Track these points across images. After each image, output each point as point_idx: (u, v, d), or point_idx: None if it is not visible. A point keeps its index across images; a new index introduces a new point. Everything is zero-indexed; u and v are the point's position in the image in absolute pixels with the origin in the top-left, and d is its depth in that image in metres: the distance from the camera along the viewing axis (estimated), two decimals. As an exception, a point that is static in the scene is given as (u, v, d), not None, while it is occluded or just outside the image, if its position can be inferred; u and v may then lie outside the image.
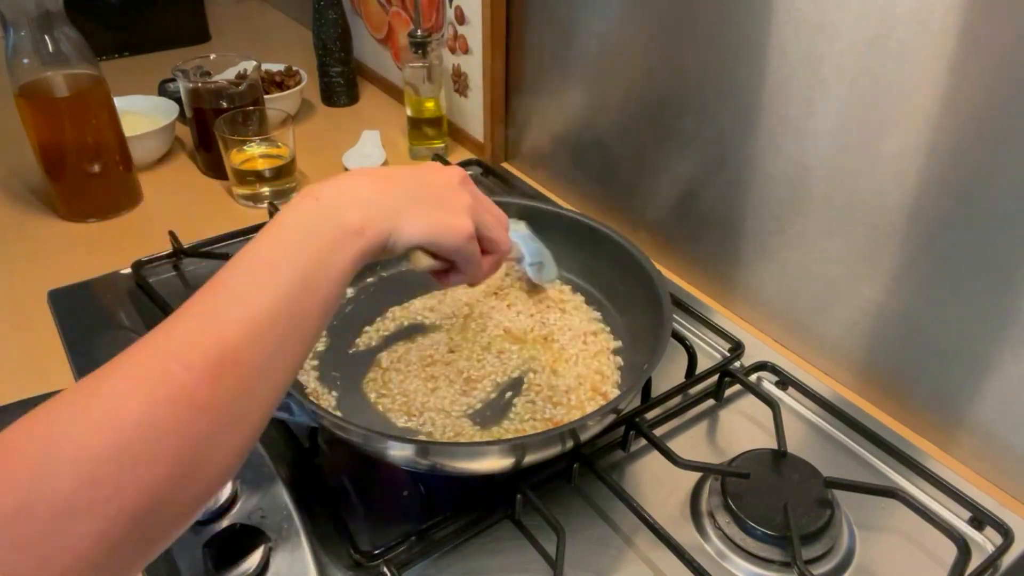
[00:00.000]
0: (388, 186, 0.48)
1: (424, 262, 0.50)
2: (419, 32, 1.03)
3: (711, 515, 0.60)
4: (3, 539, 0.30)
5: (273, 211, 0.92)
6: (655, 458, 0.62)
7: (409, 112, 1.10)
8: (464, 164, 1.06)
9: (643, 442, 0.65)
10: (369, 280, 0.78)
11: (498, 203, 0.81)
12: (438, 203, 0.49)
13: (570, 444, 0.57)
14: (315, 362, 0.68)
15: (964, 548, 0.55)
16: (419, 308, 0.75)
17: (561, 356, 0.69)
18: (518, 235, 0.72)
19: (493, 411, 0.64)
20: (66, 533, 0.31)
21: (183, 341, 0.37)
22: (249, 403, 0.38)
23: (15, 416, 0.46)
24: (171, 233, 0.87)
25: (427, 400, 0.64)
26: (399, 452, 0.55)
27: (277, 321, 0.39)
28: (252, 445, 0.39)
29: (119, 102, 0.97)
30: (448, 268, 0.52)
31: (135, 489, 0.33)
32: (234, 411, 0.37)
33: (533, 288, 0.76)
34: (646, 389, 0.69)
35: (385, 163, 1.10)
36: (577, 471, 0.62)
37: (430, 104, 1.08)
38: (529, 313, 0.74)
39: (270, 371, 0.39)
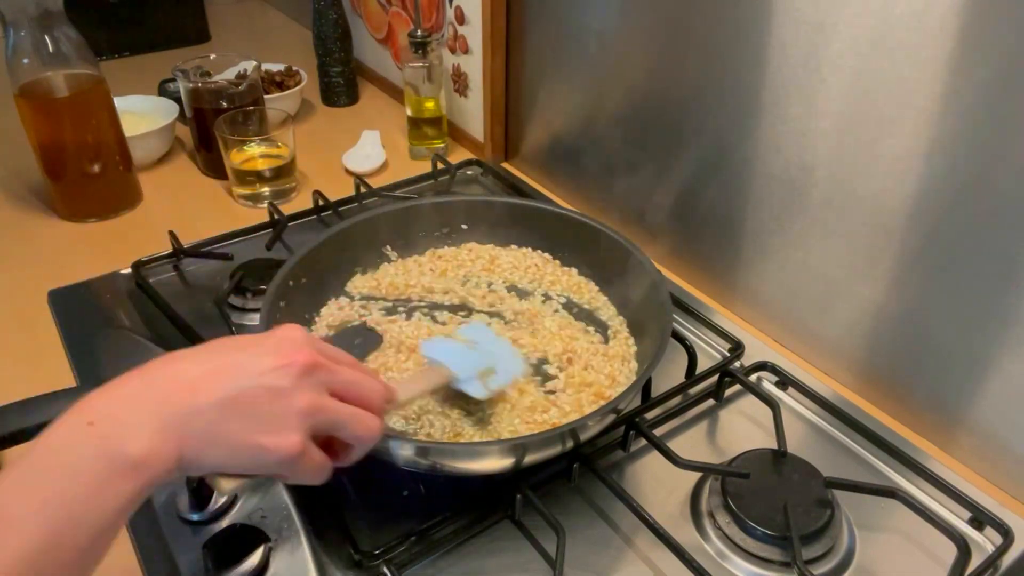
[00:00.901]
0: (188, 394, 0.38)
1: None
2: (419, 32, 1.03)
3: (711, 515, 0.60)
4: None
5: (273, 211, 0.92)
6: (655, 458, 0.62)
7: (409, 112, 1.10)
8: (464, 164, 1.06)
9: (643, 442, 0.65)
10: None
11: (498, 203, 0.82)
12: (255, 415, 0.39)
13: (570, 444, 0.57)
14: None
15: (964, 548, 0.55)
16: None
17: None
18: (442, 347, 0.61)
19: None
20: None
21: None
22: None
23: (15, 416, 0.46)
24: (171, 233, 0.87)
25: (425, 403, 0.64)
26: (399, 452, 0.55)
27: None
28: None
29: (119, 102, 0.97)
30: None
31: None
32: None
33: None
34: (646, 389, 0.69)
35: (385, 163, 1.10)
36: (577, 471, 0.62)
37: (430, 104, 1.09)
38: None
39: None
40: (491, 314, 0.74)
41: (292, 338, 0.43)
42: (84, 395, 0.37)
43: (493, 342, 0.64)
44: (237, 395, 0.39)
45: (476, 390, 0.59)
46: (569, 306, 0.75)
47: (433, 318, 0.73)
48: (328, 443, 0.45)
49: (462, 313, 0.74)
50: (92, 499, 0.34)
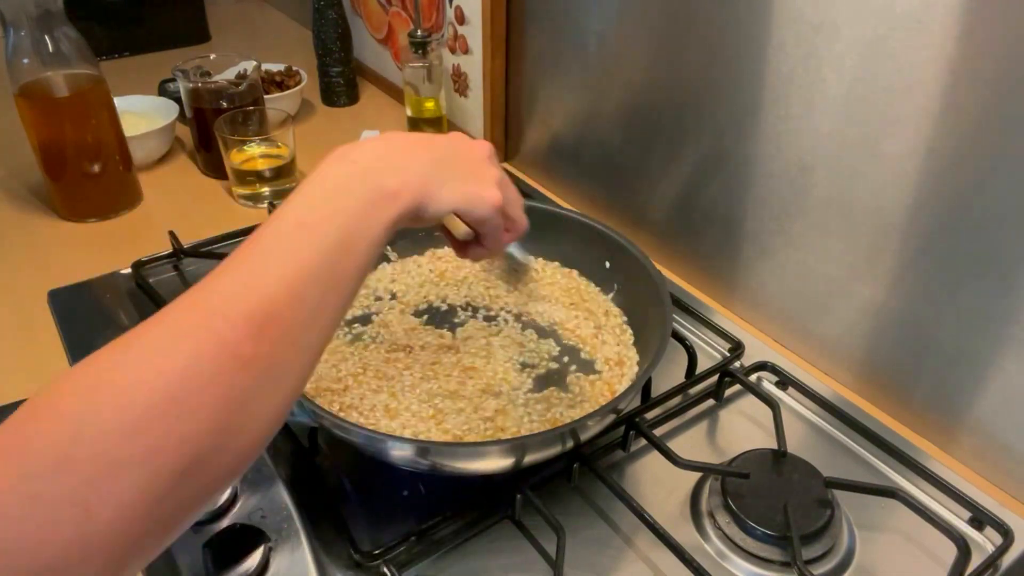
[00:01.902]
0: (421, 152, 0.48)
1: (461, 228, 0.53)
2: (419, 32, 1.03)
3: (711, 515, 0.60)
4: (47, 491, 0.30)
5: (273, 210, 0.92)
6: (655, 458, 0.62)
7: (409, 112, 1.10)
8: (464, 164, 1.06)
9: (643, 442, 0.65)
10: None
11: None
12: (469, 173, 0.50)
13: (570, 444, 0.57)
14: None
15: (964, 548, 0.55)
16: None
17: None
18: None
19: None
20: (110, 485, 0.31)
21: (225, 298, 0.37)
22: (289, 361, 0.38)
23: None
24: (171, 233, 0.87)
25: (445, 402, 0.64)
26: (399, 452, 0.55)
27: (316, 281, 0.39)
28: (291, 405, 0.39)
29: (119, 102, 0.97)
30: (470, 240, 0.55)
31: (178, 441, 0.32)
32: (275, 368, 0.37)
33: (514, 273, 0.77)
34: (646, 389, 0.69)
35: (385, 163, 1.10)
36: (577, 471, 0.62)
37: (430, 104, 1.09)
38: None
39: (309, 330, 0.39)
40: (490, 317, 0.74)
41: (464, 136, 0.54)
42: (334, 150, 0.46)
43: None
44: (455, 157, 0.50)
45: (518, 250, 0.74)
46: (568, 307, 0.75)
47: (434, 320, 0.73)
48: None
49: (466, 313, 0.74)
50: (365, 218, 0.43)
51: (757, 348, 0.76)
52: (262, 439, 0.37)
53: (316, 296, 0.39)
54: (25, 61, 0.87)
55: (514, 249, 0.74)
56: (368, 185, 0.44)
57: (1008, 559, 0.57)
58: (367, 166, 0.45)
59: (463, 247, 0.56)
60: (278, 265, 0.39)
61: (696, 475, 0.63)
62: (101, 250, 0.91)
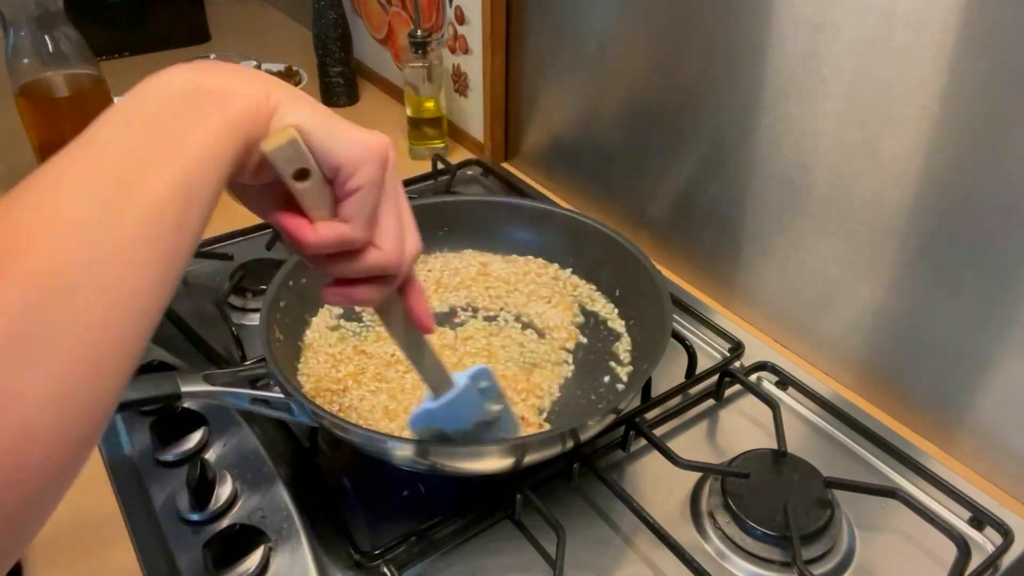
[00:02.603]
0: (293, 90, 0.37)
1: (287, 135, 0.36)
2: (419, 32, 1.03)
3: (711, 515, 0.60)
4: None
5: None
6: (655, 458, 0.62)
7: (409, 112, 1.10)
8: (464, 164, 1.06)
9: (643, 442, 0.65)
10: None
11: (500, 203, 0.82)
12: (345, 123, 0.38)
13: (570, 444, 0.57)
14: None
15: (964, 548, 0.55)
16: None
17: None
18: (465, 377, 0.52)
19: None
20: None
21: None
22: (73, 321, 0.27)
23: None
24: (171, 233, 0.87)
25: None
26: (399, 452, 0.55)
27: (93, 221, 0.29)
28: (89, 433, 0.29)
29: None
30: (302, 214, 0.39)
31: None
32: (48, 331, 0.27)
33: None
34: (646, 389, 0.69)
35: (385, 163, 1.10)
36: (577, 471, 0.62)
37: (430, 104, 1.09)
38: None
39: (91, 276, 0.28)
40: (490, 318, 0.74)
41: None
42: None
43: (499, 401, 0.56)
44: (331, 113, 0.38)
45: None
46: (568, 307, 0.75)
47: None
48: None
49: (467, 313, 0.74)
50: (181, 119, 0.32)
51: (757, 348, 0.76)
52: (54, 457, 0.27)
53: (102, 233, 0.29)
54: (25, 61, 0.87)
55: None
56: (184, 86, 0.33)
57: (1008, 559, 0.57)
58: (187, 73, 0.34)
59: (294, 220, 0.39)
60: (47, 197, 0.29)
61: (696, 475, 0.63)
62: (101, 250, 0.91)
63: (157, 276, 0.31)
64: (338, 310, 0.73)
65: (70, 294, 0.27)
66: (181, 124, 0.32)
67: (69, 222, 0.29)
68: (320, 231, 0.39)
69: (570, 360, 0.69)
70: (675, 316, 0.68)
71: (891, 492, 0.58)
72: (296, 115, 0.36)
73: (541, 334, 0.72)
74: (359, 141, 0.38)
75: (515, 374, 0.67)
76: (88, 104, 0.92)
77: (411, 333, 0.48)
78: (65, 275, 0.28)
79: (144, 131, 0.31)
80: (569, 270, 0.78)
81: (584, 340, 0.71)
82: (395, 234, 0.41)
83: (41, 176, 0.30)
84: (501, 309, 0.75)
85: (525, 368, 0.68)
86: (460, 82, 1.11)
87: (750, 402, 0.70)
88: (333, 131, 0.37)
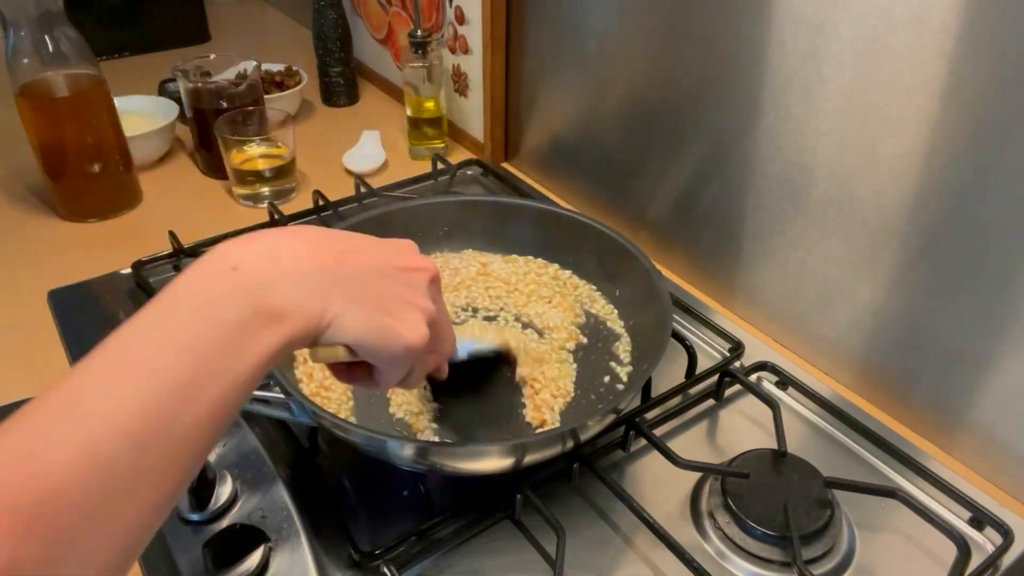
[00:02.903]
0: (334, 259, 0.37)
1: (326, 354, 0.39)
2: (419, 32, 1.03)
3: (711, 515, 0.60)
4: None
5: (273, 211, 0.92)
6: (655, 458, 0.62)
7: (409, 112, 1.10)
8: (464, 164, 1.06)
9: (643, 442, 0.65)
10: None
11: (500, 203, 0.82)
12: (393, 301, 0.39)
13: (570, 444, 0.57)
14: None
15: (964, 548, 0.55)
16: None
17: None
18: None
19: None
20: None
21: None
22: (78, 563, 0.27)
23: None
24: (171, 233, 0.87)
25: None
26: (399, 452, 0.55)
27: (136, 450, 0.28)
28: None
29: (119, 102, 0.97)
30: (360, 366, 0.41)
31: None
32: (51, 574, 0.26)
33: None
34: (646, 389, 0.69)
35: (385, 163, 1.10)
36: (577, 471, 0.62)
37: (430, 104, 1.09)
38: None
39: (114, 520, 0.28)
40: (490, 318, 0.74)
41: (413, 248, 0.44)
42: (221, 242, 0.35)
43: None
44: (380, 278, 0.38)
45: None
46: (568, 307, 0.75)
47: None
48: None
49: (467, 313, 0.74)
50: (232, 346, 0.31)
51: (757, 348, 0.76)
52: None
53: (129, 473, 0.28)
54: (25, 61, 0.87)
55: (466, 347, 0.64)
56: (247, 300, 0.32)
57: (1008, 559, 0.57)
58: (250, 274, 0.33)
59: (349, 371, 0.43)
60: (78, 427, 0.27)
61: (696, 475, 0.63)
62: (101, 250, 0.91)
63: (177, 491, 0.31)
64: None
65: (71, 544, 0.27)
66: (232, 353, 0.32)
67: (97, 459, 0.27)
68: (360, 384, 0.44)
69: (571, 360, 0.69)
70: (675, 316, 0.68)
71: (891, 492, 0.58)
72: (347, 334, 0.37)
73: (541, 334, 0.72)
74: (404, 344, 0.39)
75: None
76: (88, 104, 0.92)
77: None
78: (68, 518, 0.26)
79: (196, 360, 0.31)
80: (569, 271, 0.78)
81: (584, 340, 0.71)
82: (439, 360, 0.48)
83: (77, 394, 0.29)
84: (501, 309, 0.75)
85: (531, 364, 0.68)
86: (460, 82, 1.11)
87: (750, 402, 0.70)
88: (383, 342, 0.38)
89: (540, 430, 0.62)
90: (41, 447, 0.27)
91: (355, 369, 0.43)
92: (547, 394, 0.65)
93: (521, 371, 0.66)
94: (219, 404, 0.31)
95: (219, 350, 0.31)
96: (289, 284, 0.34)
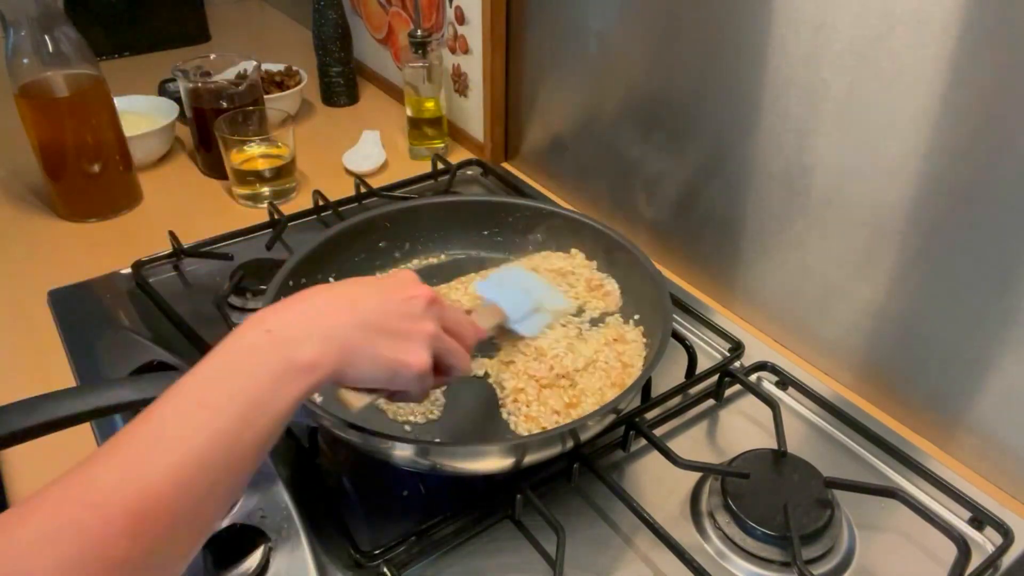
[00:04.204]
0: (345, 313, 0.45)
1: (358, 403, 0.47)
2: (419, 32, 1.03)
3: (711, 515, 0.60)
4: None
5: (273, 211, 0.92)
6: (655, 458, 0.62)
7: (409, 112, 1.10)
8: (464, 164, 1.06)
9: (643, 442, 0.65)
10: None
11: (500, 203, 0.82)
12: (396, 335, 0.46)
13: (570, 444, 0.57)
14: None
15: (964, 548, 0.55)
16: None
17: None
18: (492, 288, 0.67)
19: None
20: None
21: (103, 488, 0.34)
22: (170, 553, 0.35)
23: (16, 416, 0.46)
24: (171, 233, 0.87)
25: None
26: (399, 452, 0.55)
27: (210, 467, 0.37)
28: None
29: (119, 102, 0.97)
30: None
31: None
32: (152, 563, 0.34)
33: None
34: (646, 389, 0.69)
35: (385, 163, 1.10)
36: (577, 471, 0.62)
37: (430, 104, 1.09)
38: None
39: (196, 518, 0.36)
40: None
41: (411, 278, 0.51)
42: (252, 313, 0.44)
43: (534, 283, 0.70)
44: (383, 317, 0.46)
45: (526, 329, 0.66)
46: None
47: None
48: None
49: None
50: (271, 392, 0.40)
51: (757, 348, 0.76)
52: None
53: (207, 483, 0.36)
54: (25, 61, 0.87)
55: (520, 328, 0.66)
56: (280, 356, 0.41)
57: (1008, 559, 0.57)
58: (283, 335, 0.42)
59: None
60: (167, 451, 0.36)
61: (696, 475, 0.63)
62: (101, 250, 0.91)
63: (237, 493, 0.42)
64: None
65: (170, 543, 0.35)
66: (271, 398, 0.40)
67: (183, 474, 0.36)
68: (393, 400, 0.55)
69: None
70: (675, 316, 0.68)
71: (891, 492, 0.58)
72: (367, 373, 0.45)
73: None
74: (410, 372, 0.47)
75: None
76: (88, 104, 0.92)
77: None
78: (169, 519, 0.35)
79: (247, 403, 0.39)
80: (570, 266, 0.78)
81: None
82: (455, 361, 0.51)
83: (160, 428, 0.37)
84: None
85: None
86: (460, 82, 1.11)
87: (750, 402, 0.70)
88: (392, 372, 0.46)
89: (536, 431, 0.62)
90: (141, 466, 0.35)
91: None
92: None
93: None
94: (265, 432, 0.40)
95: (266, 392, 0.40)
96: (313, 341, 0.42)
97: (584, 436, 0.58)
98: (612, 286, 0.74)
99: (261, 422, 0.39)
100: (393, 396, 0.50)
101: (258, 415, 0.39)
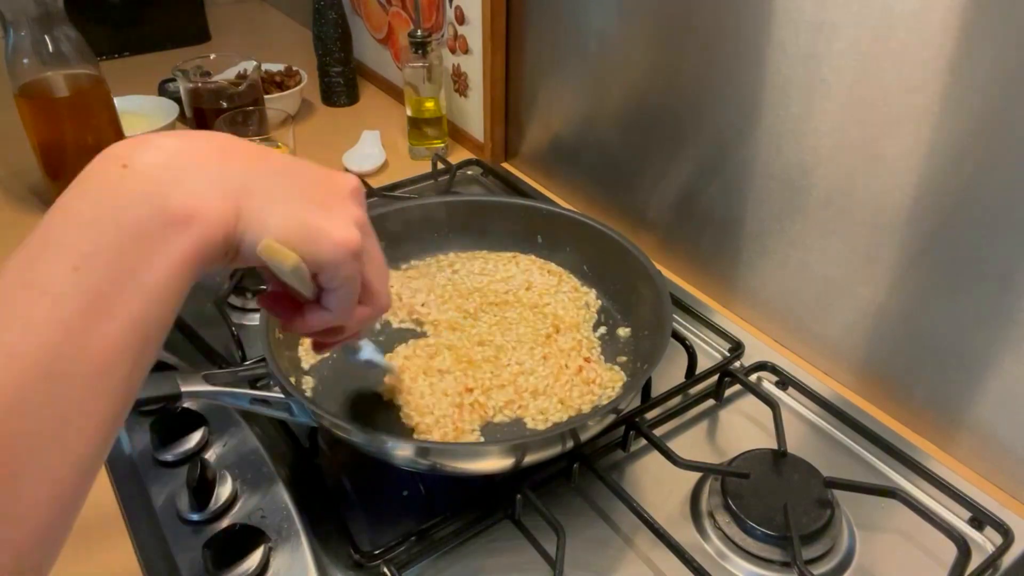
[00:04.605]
0: (238, 159, 0.33)
1: (288, 261, 0.34)
2: (419, 32, 1.03)
3: (711, 515, 0.60)
4: None
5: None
6: (655, 458, 0.62)
7: (409, 112, 1.10)
8: (464, 164, 1.06)
9: (643, 442, 0.65)
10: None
11: (500, 203, 0.82)
12: (317, 201, 0.35)
13: (570, 444, 0.57)
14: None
15: (964, 548, 0.55)
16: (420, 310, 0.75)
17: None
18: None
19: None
20: None
21: None
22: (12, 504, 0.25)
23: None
24: (171, 233, 0.87)
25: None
26: (399, 452, 0.55)
27: (42, 377, 0.26)
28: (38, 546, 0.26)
29: (119, 102, 0.97)
30: (299, 302, 0.38)
31: None
32: None
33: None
34: (646, 389, 0.69)
35: (385, 163, 1.10)
36: (577, 471, 0.62)
37: (430, 104, 1.09)
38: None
39: (37, 460, 0.25)
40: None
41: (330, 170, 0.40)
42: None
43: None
44: (300, 176, 0.35)
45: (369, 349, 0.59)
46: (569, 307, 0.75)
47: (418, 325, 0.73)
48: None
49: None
50: (135, 255, 0.28)
51: (757, 348, 0.76)
52: None
53: (43, 401, 0.26)
54: (25, 61, 0.87)
55: (369, 351, 0.59)
56: (144, 204, 0.29)
57: (1008, 559, 0.57)
58: (146, 173, 0.30)
59: (292, 312, 0.39)
60: None
61: (696, 475, 0.63)
62: (101, 250, 0.91)
63: (108, 429, 0.28)
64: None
65: (11, 483, 0.25)
66: (136, 262, 0.28)
67: (6, 395, 0.25)
68: (308, 320, 0.39)
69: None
70: (675, 316, 0.68)
71: (891, 492, 0.58)
72: (269, 229, 0.33)
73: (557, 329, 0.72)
74: (333, 242, 0.35)
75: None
76: (88, 104, 0.92)
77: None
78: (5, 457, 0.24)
79: (97, 274, 0.27)
80: (568, 270, 0.78)
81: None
82: (378, 284, 0.41)
83: None
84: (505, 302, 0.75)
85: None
86: (460, 82, 1.11)
87: (750, 402, 0.70)
88: (309, 236, 0.34)
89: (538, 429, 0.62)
90: None
91: (297, 308, 0.40)
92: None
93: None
94: (136, 321, 0.28)
95: (120, 260, 0.28)
96: (193, 182, 0.30)
97: (584, 436, 0.58)
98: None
99: (125, 302, 0.28)
100: (307, 316, 0.39)
101: (119, 292, 0.28)
